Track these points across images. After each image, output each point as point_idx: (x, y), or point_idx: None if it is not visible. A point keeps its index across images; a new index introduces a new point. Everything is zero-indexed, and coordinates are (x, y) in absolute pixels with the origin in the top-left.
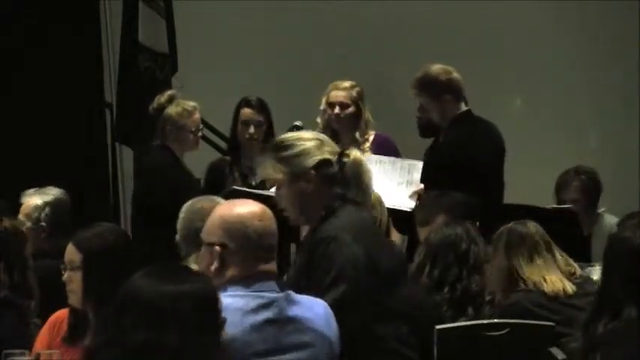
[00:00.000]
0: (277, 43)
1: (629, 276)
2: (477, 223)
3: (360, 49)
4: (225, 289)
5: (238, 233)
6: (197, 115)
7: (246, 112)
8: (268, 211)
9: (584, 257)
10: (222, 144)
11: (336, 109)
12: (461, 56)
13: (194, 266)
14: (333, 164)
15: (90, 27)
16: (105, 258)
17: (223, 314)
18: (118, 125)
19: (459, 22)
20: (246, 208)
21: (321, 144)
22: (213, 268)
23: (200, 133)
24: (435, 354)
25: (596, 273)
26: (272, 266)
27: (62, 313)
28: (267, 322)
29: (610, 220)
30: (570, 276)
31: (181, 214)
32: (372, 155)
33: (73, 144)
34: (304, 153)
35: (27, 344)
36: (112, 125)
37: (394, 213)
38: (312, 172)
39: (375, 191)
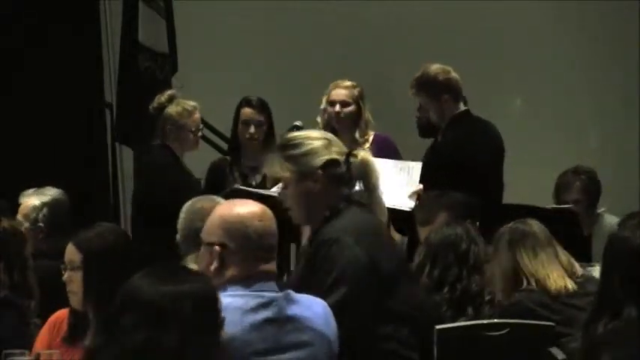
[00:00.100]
0: (277, 43)
1: (629, 276)
2: (477, 223)
3: (360, 49)
4: (224, 289)
5: (238, 233)
6: (197, 115)
7: (247, 111)
8: (268, 211)
9: (584, 257)
10: (223, 144)
11: (337, 107)
12: (461, 56)
13: (193, 266)
14: (341, 164)
15: (90, 27)
16: (105, 258)
17: (223, 313)
18: (118, 125)
19: (459, 22)
20: (246, 208)
21: (329, 144)
22: (212, 267)
23: (200, 133)
24: (434, 354)
25: (596, 273)
26: (272, 266)
27: (62, 313)
28: (267, 321)
29: (610, 220)
30: (572, 275)
31: (181, 214)
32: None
33: (73, 144)
34: (312, 152)
35: (27, 344)
36: (112, 125)
37: (394, 213)
38: (320, 171)
39: None
